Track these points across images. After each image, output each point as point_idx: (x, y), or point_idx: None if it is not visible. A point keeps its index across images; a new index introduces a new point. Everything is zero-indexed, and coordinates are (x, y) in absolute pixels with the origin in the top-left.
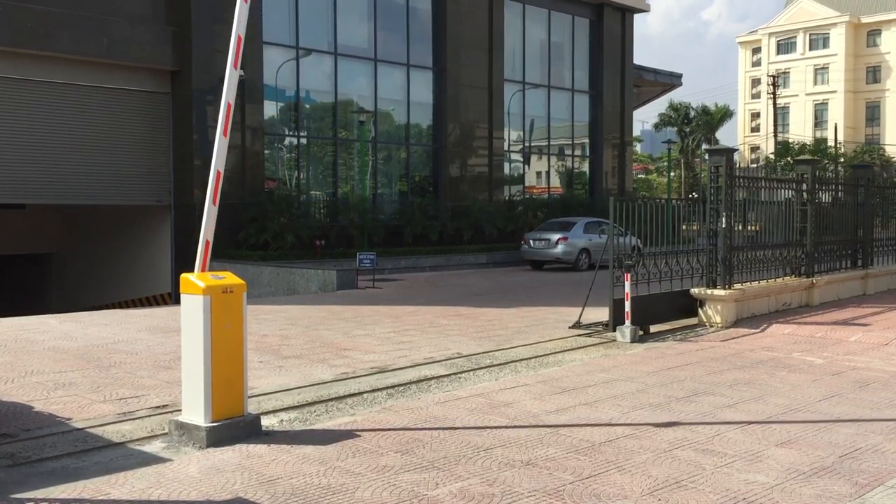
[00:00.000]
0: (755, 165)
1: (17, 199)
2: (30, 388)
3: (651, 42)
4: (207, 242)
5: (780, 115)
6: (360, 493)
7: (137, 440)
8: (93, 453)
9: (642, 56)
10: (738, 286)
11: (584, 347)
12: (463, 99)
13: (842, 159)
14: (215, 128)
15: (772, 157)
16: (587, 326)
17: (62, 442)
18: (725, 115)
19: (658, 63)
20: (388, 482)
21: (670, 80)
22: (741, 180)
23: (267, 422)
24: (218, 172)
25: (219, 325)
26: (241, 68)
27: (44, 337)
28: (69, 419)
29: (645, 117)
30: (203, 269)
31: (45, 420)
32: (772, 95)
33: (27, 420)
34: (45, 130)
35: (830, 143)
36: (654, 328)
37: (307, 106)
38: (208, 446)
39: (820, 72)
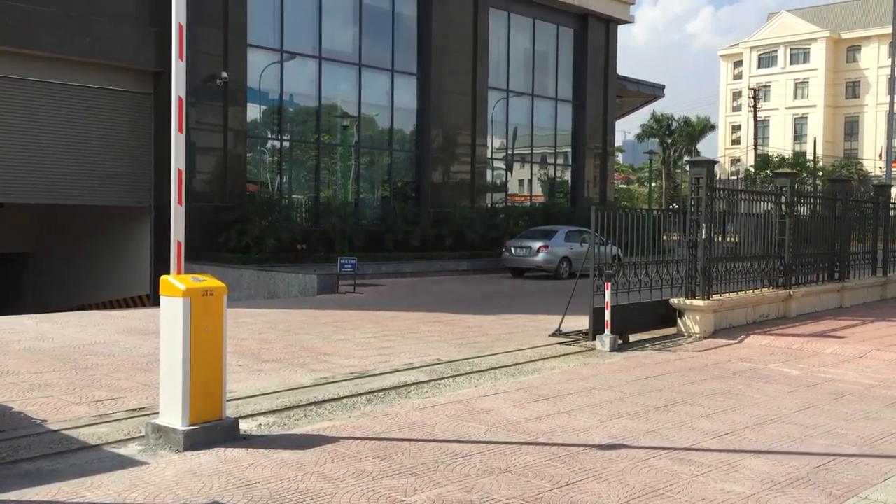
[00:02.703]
0: (735, 177)
1: None
2: (5, 389)
3: (637, 53)
4: (179, 243)
5: (761, 128)
6: (338, 498)
7: (114, 443)
8: (68, 455)
9: (627, 67)
10: (716, 297)
11: (563, 356)
12: (447, 105)
13: (820, 173)
14: (197, 130)
15: (752, 169)
16: (567, 335)
17: (37, 444)
18: (707, 127)
19: (643, 74)
20: (366, 488)
21: (653, 92)
22: (721, 192)
23: (245, 426)
24: (179, 171)
25: (198, 328)
26: (224, 70)
27: (20, 337)
28: (45, 421)
29: (627, 128)
30: (178, 271)
31: (20, 421)
32: (752, 108)
33: (1, 421)
34: (24, 129)
35: (809, 156)
36: (633, 337)
37: (290, 109)
38: (185, 450)
39: (800, 86)
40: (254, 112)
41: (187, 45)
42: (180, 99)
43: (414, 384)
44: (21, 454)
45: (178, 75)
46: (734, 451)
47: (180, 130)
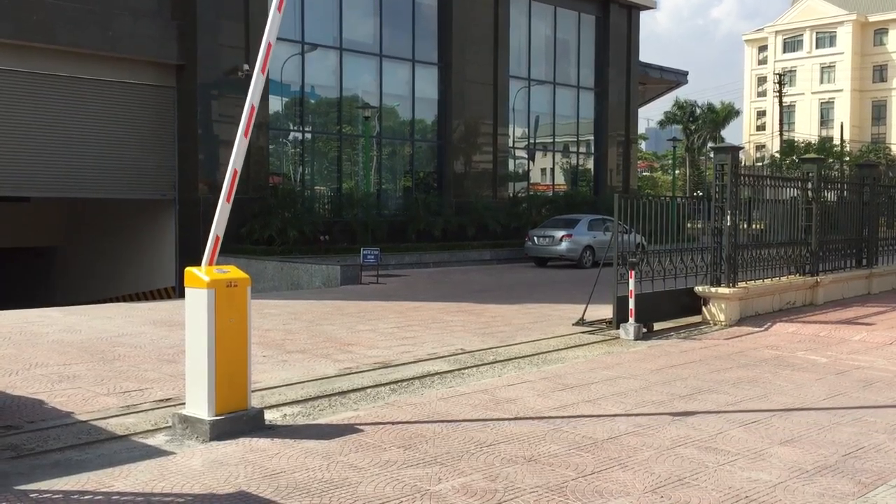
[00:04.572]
0: (760, 164)
1: (21, 193)
2: (34, 381)
3: (660, 39)
4: (217, 238)
5: (786, 114)
6: (363, 487)
7: (141, 433)
8: (96, 446)
9: (650, 53)
10: (742, 284)
11: (587, 345)
12: (468, 95)
13: (847, 158)
14: (220, 123)
15: (777, 155)
16: (591, 324)
17: (66, 434)
18: (731, 113)
19: (666, 61)
20: (390, 477)
21: (676, 78)
22: (746, 178)
23: (270, 416)
24: (234, 171)
25: (223, 319)
26: (246, 62)
27: (48, 329)
28: (73, 412)
29: (650, 115)
30: (210, 264)
31: (48, 412)
32: (777, 94)
33: (31, 412)
34: (49, 124)
35: (836, 141)
36: (657, 326)
37: (312, 101)
38: (212, 440)
39: (826, 70)
40: (275, 104)
41: (209, 39)
42: (252, 106)
43: (437, 374)
44: (50, 444)
45: (255, 86)
46: (761, 439)
47: (246, 135)
